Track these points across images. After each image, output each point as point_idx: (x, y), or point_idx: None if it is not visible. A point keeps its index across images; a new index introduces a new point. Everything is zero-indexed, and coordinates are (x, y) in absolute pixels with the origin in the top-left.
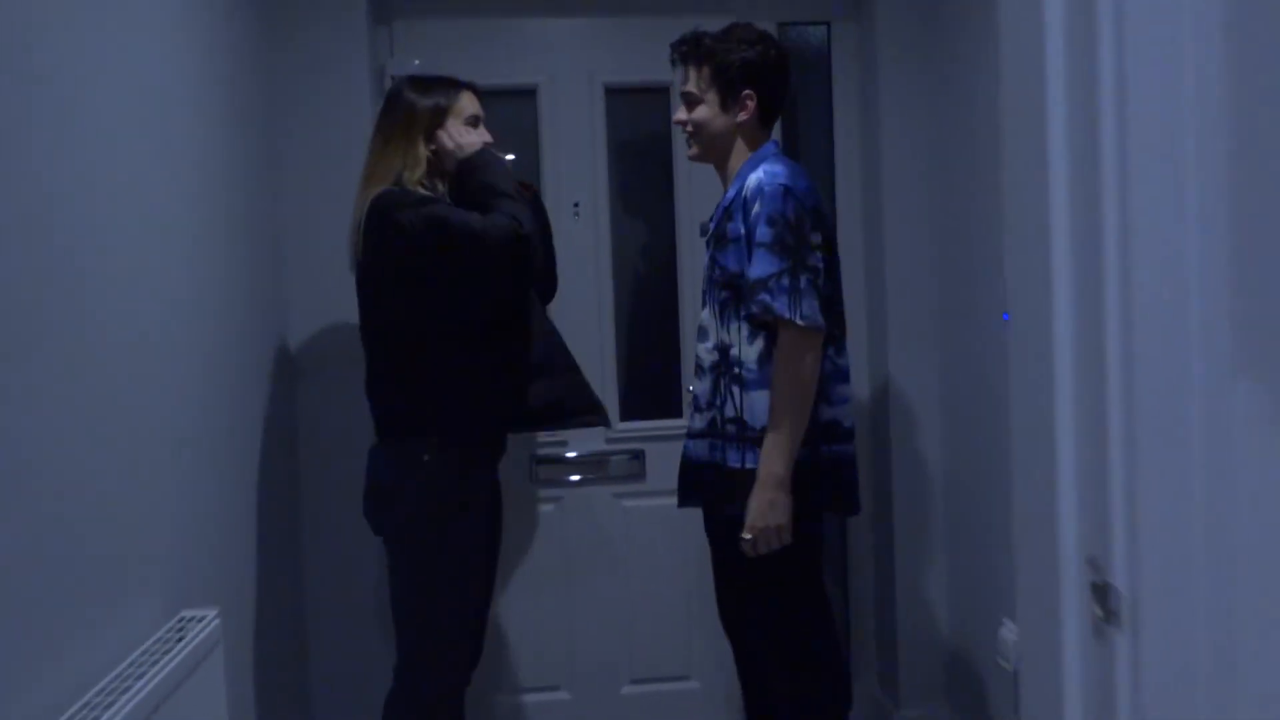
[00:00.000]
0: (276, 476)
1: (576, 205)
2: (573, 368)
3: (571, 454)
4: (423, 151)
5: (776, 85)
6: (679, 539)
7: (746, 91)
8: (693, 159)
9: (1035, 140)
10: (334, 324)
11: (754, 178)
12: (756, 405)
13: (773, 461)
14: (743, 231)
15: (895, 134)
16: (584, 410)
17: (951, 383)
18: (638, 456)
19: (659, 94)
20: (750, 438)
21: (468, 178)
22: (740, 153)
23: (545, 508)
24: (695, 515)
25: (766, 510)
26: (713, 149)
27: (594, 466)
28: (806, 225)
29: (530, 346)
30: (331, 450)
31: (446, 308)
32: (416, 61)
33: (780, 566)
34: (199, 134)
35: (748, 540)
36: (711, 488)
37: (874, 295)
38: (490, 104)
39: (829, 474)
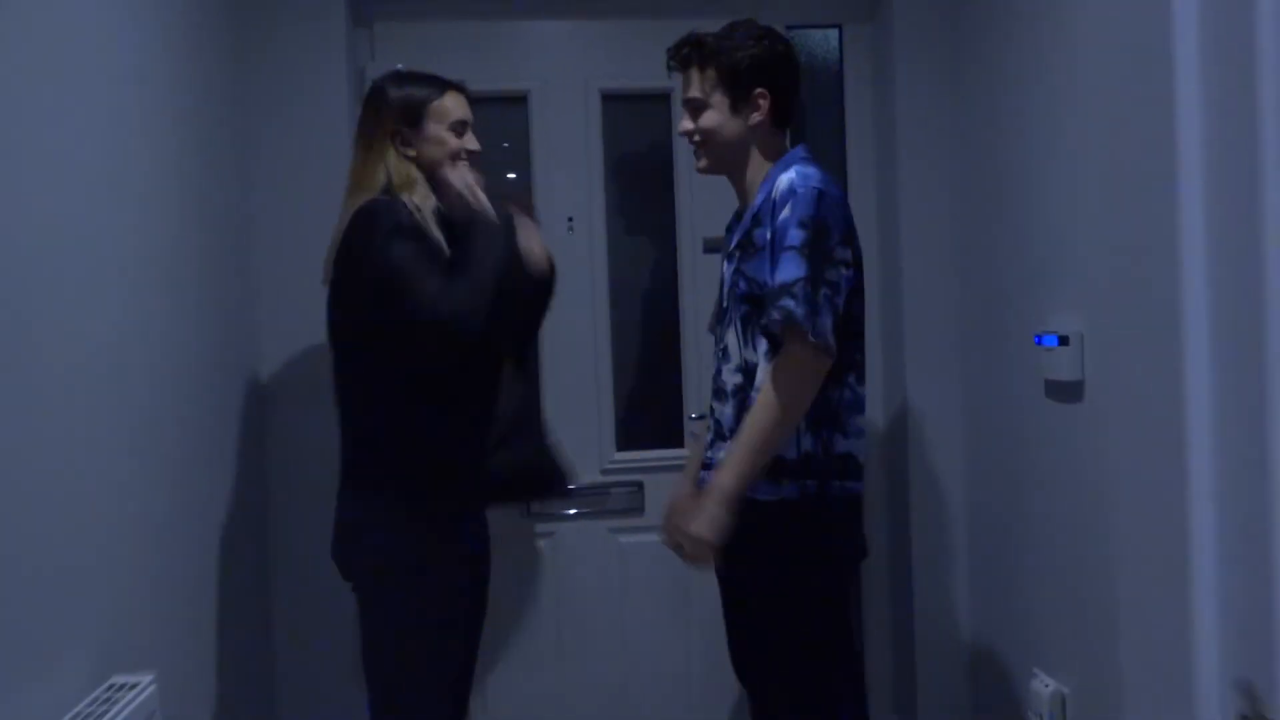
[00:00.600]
0: (241, 518)
1: (570, 220)
2: (538, 434)
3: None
4: (395, 155)
5: (789, 80)
6: (681, 578)
7: (758, 90)
8: (703, 172)
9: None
10: (311, 346)
11: (785, 178)
12: None
13: (730, 475)
14: (769, 236)
15: (913, 143)
16: (543, 484)
17: (975, 411)
18: (636, 489)
19: (659, 101)
20: (781, 469)
21: (461, 233)
22: (758, 160)
23: (538, 544)
24: None
25: (709, 523)
26: (726, 158)
27: (590, 500)
28: (835, 237)
29: (491, 410)
30: (307, 485)
31: (393, 358)
32: (400, 66)
33: (808, 625)
34: (163, 141)
35: (671, 542)
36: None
37: (890, 318)
38: (478, 111)
39: (842, 513)
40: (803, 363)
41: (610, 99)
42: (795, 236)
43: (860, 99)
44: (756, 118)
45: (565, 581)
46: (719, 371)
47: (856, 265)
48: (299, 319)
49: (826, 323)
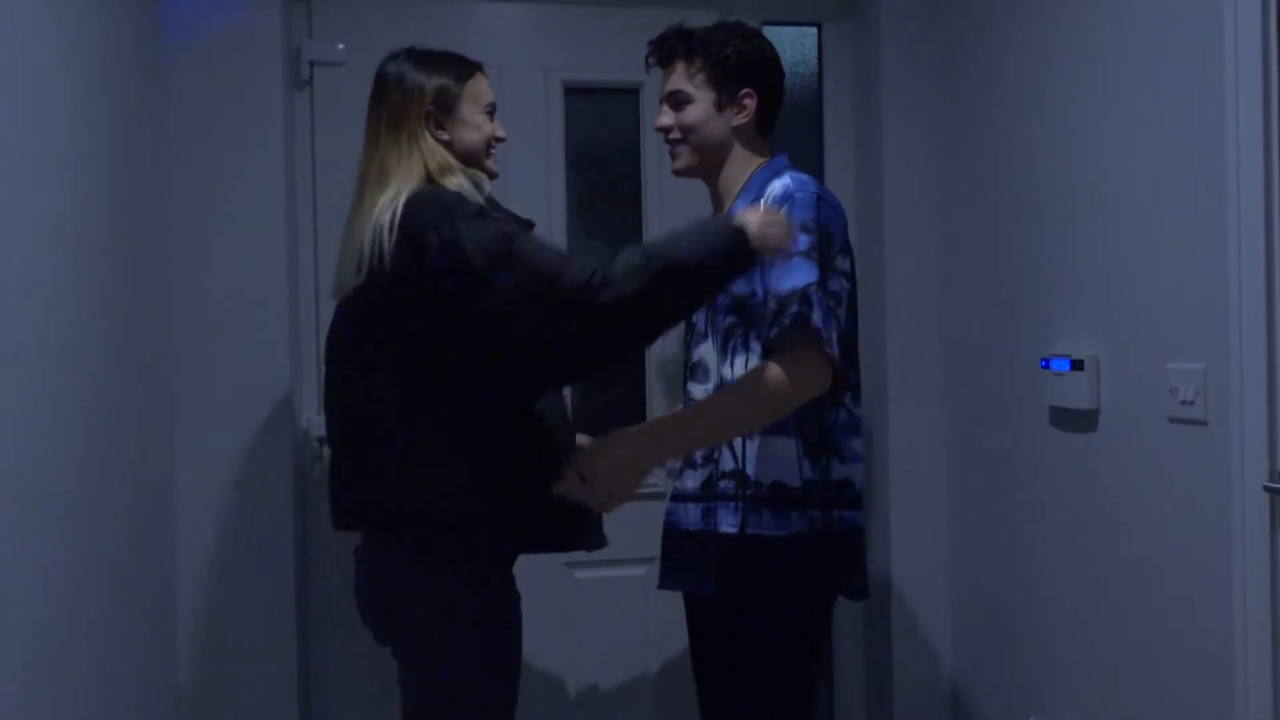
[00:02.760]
0: (143, 532)
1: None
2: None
3: None
4: (433, 143)
5: (777, 85)
6: (642, 617)
7: (745, 90)
8: (679, 172)
9: None
10: (227, 354)
11: (778, 183)
12: (763, 454)
13: (669, 433)
14: None
15: (899, 152)
16: (588, 528)
17: (965, 439)
18: (594, 518)
19: (627, 95)
20: (753, 496)
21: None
22: (738, 163)
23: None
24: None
25: (625, 465)
26: (705, 158)
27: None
28: (836, 245)
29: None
30: (218, 499)
31: (472, 362)
32: (340, 46)
33: (787, 660)
34: (62, 126)
35: (580, 484)
36: (703, 561)
37: (872, 338)
38: None
39: (842, 547)
40: (815, 370)
41: (574, 92)
42: (801, 241)
43: (840, 104)
44: (741, 119)
45: None
46: (689, 391)
47: (852, 277)
48: (219, 327)
49: (833, 336)
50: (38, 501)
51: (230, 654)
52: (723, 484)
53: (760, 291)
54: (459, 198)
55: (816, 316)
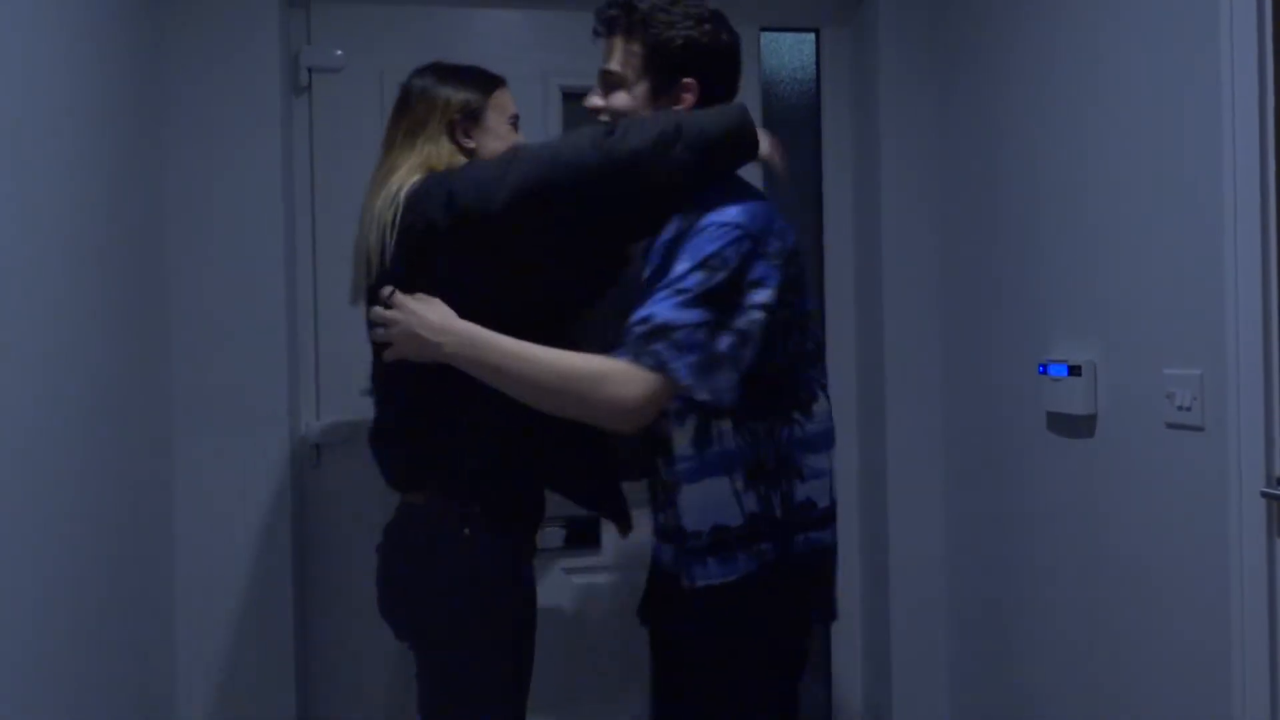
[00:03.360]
0: (144, 534)
1: None
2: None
3: None
4: (450, 149)
5: (725, 77)
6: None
7: (686, 80)
8: None
9: None
10: (227, 353)
11: (707, 216)
12: (693, 501)
13: (475, 342)
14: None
15: (898, 160)
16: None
17: (962, 447)
18: (591, 522)
19: None
20: (693, 548)
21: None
22: None
23: None
24: None
25: (423, 331)
26: None
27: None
28: (753, 275)
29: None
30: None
31: (533, 302)
32: (339, 52)
33: (751, 692)
34: (65, 132)
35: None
36: (672, 608)
37: (868, 348)
38: None
39: (806, 571)
40: (658, 398)
41: (571, 97)
42: (695, 280)
43: (838, 109)
44: (621, 86)
45: None
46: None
47: (796, 284)
48: (214, 323)
49: (730, 379)
50: (36, 503)
51: (228, 656)
52: (664, 545)
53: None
54: (449, 169)
55: (679, 363)
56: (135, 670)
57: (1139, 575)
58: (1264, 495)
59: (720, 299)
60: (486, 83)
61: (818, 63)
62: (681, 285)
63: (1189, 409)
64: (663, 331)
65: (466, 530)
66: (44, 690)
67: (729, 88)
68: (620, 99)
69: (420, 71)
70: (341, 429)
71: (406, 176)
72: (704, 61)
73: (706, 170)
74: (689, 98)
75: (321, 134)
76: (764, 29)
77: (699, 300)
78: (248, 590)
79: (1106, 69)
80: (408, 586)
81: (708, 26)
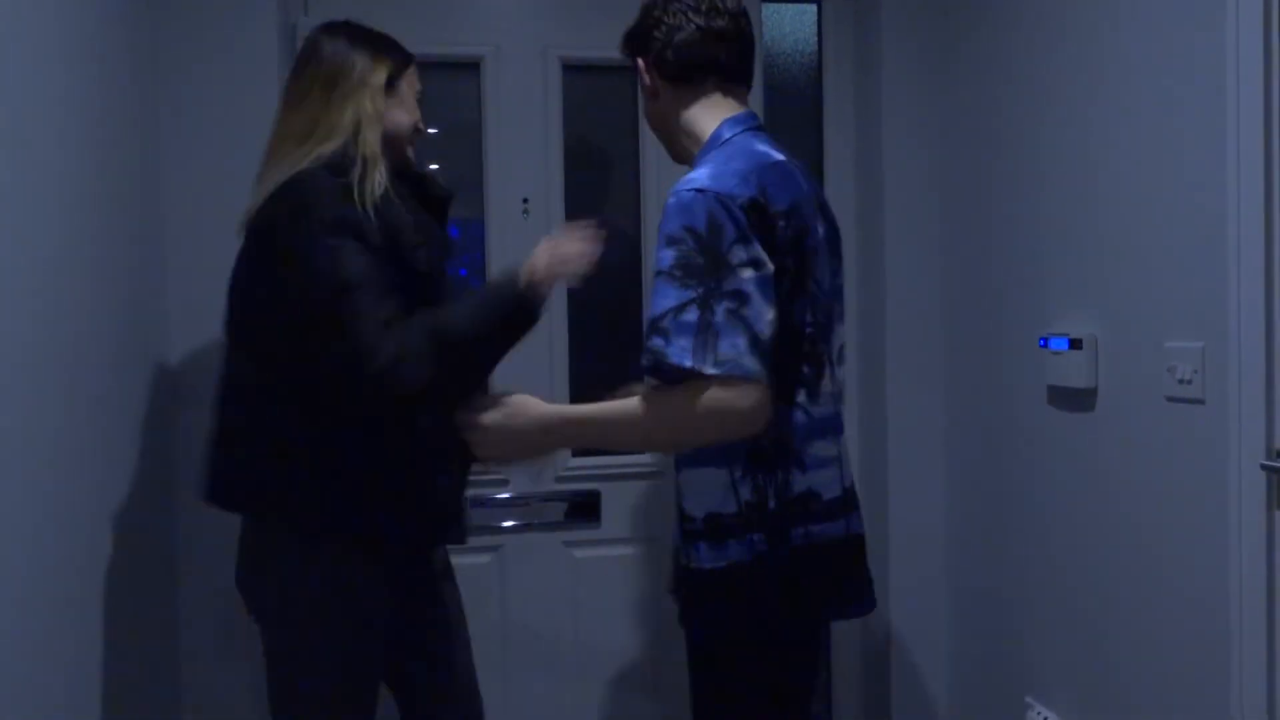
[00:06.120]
0: (145, 518)
1: (526, 201)
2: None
3: (505, 495)
4: (370, 109)
5: (661, 25)
6: (641, 595)
7: (639, 63)
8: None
9: None
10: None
11: (674, 188)
12: (692, 487)
13: (561, 427)
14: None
15: (900, 133)
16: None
17: (963, 419)
18: (592, 498)
19: (625, 73)
20: (690, 530)
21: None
22: (685, 142)
23: (480, 559)
24: (660, 567)
25: (512, 440)
26: (666, 145)
27: (541, 509)
28: (728, 236)
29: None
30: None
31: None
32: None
33: (735, 680)
34: (58, 103)
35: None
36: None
37: (870, 327)
38: (425, 78)
39: (810, 567)
40: (717, 402)
41: (571, 69)
42: (664, 258)
43: (840, 83)
44: (650, 97)
45: (512, 599)
46: None
47: (795, 247)
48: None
49: (736, 342)
50: (34, 499)
51: (229, 653)
52: (678, 517)
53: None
54: (330, 200)
55: (674, 347)
56: (137, 664)
57: (1140, 548)
58: (1264, 468)
59: (700, 268)
60: (404, 54)
61: (819, 35)
62: (659, 269)
63: (1190, 382)
64: (653, 326)
65: (278, 546)
66: (41, 679)
67: (677, 40)
68: (657, 112)
69: (332, 29)
70: None
71: (324, 140)
72: (639, 36)
73: (498, 360)
74: (648, 78)
75: None
76: (765, 0)
77: (676, 279)
78: None
79: (1110, 42)
80: (250, 583)
81: (645, 7)
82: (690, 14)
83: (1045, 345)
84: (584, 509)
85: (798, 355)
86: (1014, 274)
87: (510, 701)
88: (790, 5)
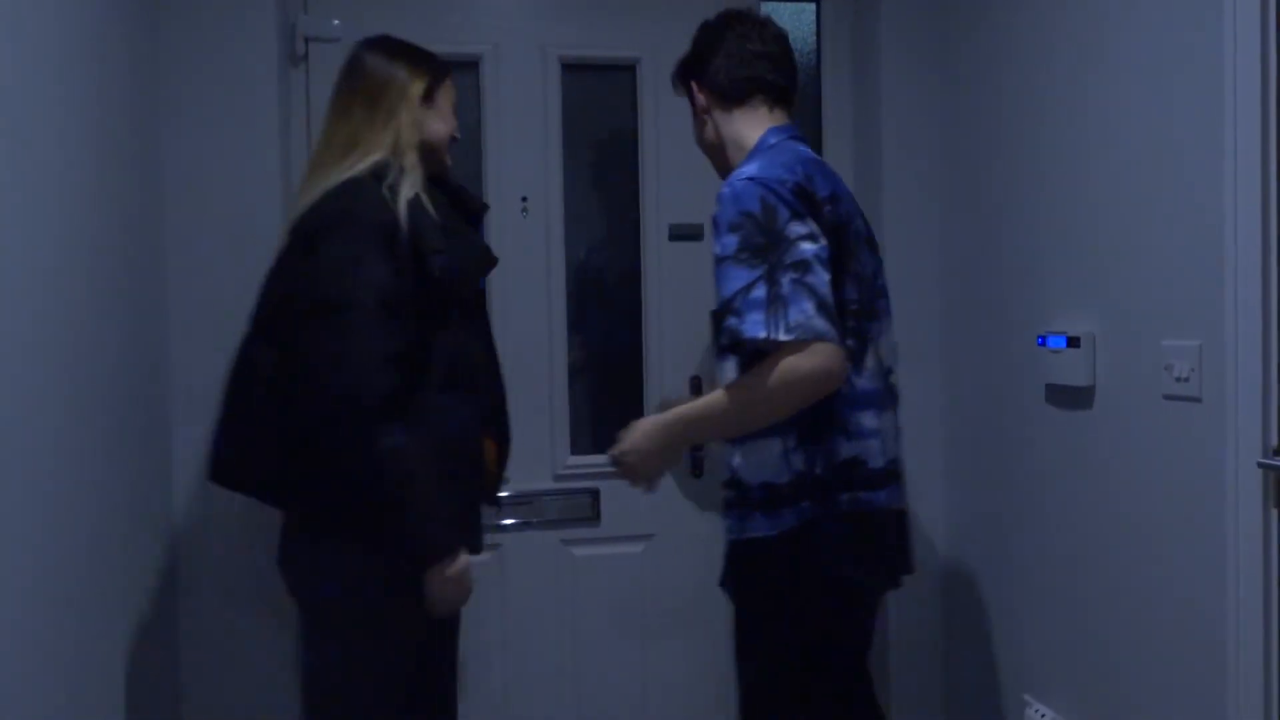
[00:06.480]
0: (144, 523)
1: (525, 200)
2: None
3: (504, 493)
4: (410, 121)
5: (717, 53)
6: (638, 594)
7: (691, 88)
8: None
9: None
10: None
11: (726, 183)
12: (750, 458)
13: (683, 426)
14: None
15: (899, 133)
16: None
17: (960, 416)
18: (591, 496)
19: (624, 72)
20: (750, 500)
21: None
22: (737, 156)
23: (479, 557)
24: (659, 566)
25: (649, 455)
26: (718, 166)
27: (540, 508)
28: (782, 215)
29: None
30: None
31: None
32: (336, 21)
33: (793, 656)
34: (55, 103)
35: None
36: (727, 566)
37: None
38: None
39: (852, 529)
40: (793, 364)
41: (571, 68)
42: (727, 245)
43: (839, 80)
44: (704, 117)
45: (511, 598)
46: None
47: (837, 232)
48: (211, 305)
49: (804, 307)
50: (32, 497)
51: (229, 651)
52: (726, 492)
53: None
54: (360, 212)
55: (748, 322)
56: (135, 663)
57: (1137, 545)
58: (1260, 466)
59: (763, 248)
60: (441, 65)
61: (818, 33)
62: (723, 255)
63: (1187, 380)
64: (726, 308)
65: (304, 536)
66: (41, 679)
67: (727, 56)
68: (709, 132)
69: (372, 44)
70: None
71: (367, 153)
72: (690, 63)
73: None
74: (700, 97)
75: (319, 105)
76: (761, 0)
77: (742, 261)
78: (248, 578)
79: (1109, 42)
80: (292, 573)
81: (695, 38)
82: (741, 40)
83: (1043, 343)
84: (583, 508)
85: (842, 331)
86: (1012, 272)
87: (508, 699)
88: (789, 4)
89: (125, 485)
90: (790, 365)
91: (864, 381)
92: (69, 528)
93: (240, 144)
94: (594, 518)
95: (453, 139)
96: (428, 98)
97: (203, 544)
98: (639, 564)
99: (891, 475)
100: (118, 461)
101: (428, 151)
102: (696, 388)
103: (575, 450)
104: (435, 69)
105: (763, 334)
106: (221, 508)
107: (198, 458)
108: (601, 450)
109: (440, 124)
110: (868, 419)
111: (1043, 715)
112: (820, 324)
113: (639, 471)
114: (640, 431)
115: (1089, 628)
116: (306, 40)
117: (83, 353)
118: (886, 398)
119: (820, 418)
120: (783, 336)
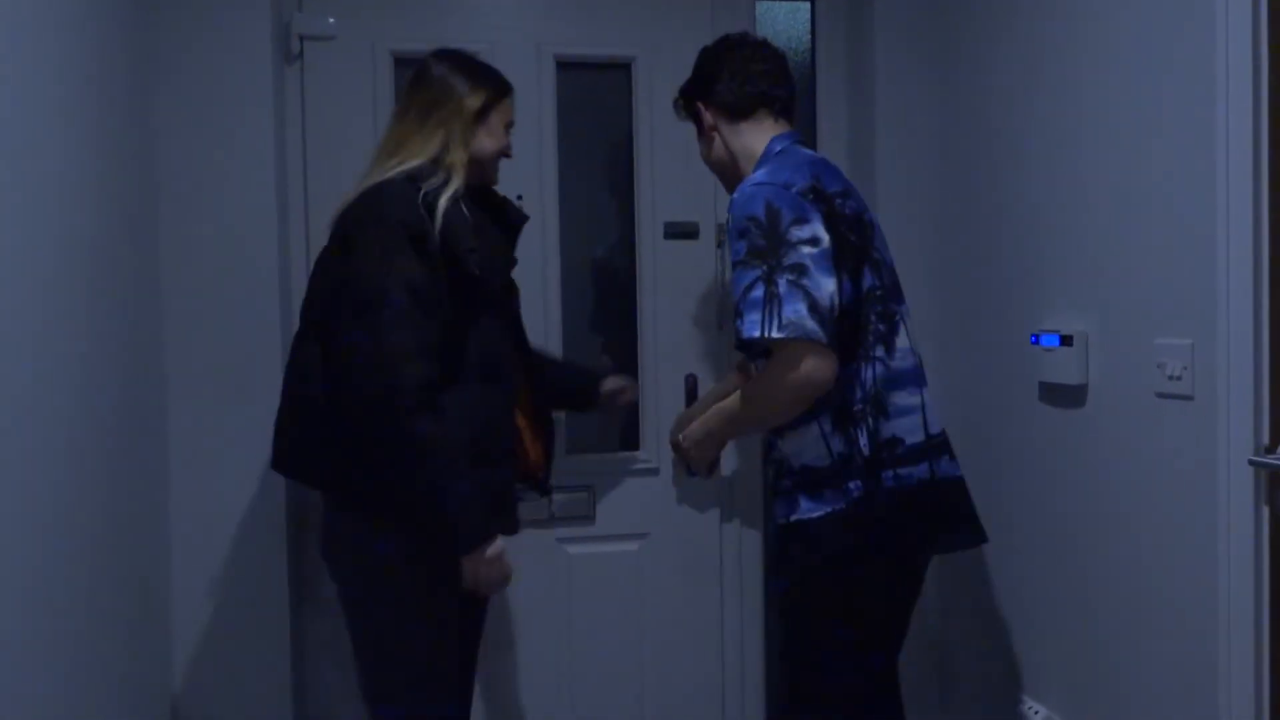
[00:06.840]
0: (139, 516)
1: (520, 198)
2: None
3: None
4: (459, 135)
5: (722, 73)
6: (633, 593)
7: (698, 108)
8: None
9: None
10: (217, 335)
11: (736, 191)
12: (792, 443)
13: (722, 416)
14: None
15: (891, 128)
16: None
17: (954, 414)
18: (587, 495)
19: (619, 70)
20: (795, 484)
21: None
22: (749, 164)
23: None
24: (654, 564)
25: (701, 440)
26: (727, 183)
27: (535, 506)
28: (785, 219)
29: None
30: (212, 482)
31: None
32: (330, 20)
33: (840, 634)
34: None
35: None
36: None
37: None
38: None
39: (901, 508)
40: (784, 361)
41: (566, 66)
42: (737, 250)
43: (833, 79)
44: (712, 135)
45: (507, 595)
46: None
47: (856, 222)
48: (206, 299)
49: (797, 308)
50: (28, 495)
51: (224, 649)
52: (776, 479)
53: None
54: (388, 213)
55: (746, 322)
56: (130, 664)
57: (1130, 543)
58: (1252, 464)
59: (765, 250)
60: (500, 85)
61: (813, 32)
62: (734, 260)
63: (1179, 378)
64: (735, 310)
65: (347, 519)
66: (39, 685)
67: (733, 73)
68: (717, 149)
69: (440, 56)
70: None
71: (411, 156)
72: (694, 84)
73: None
74: (707, 115)
75: (313, 103)
76: None
77: (747, 264)
78: (244, 577)
79: (1101, 38)
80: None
81: (698, 61)
82: (745, 60)
83: (1037, 342)
84: (578, 506)
85: (870, 315)
86: (1006, 270)
87: (505, 697)
88: (783, 3)
89: (121, 485)
90: (787, 363)
91: (896, 361)
92: (65, 527)
93: (235, 141)
94: (589, 516)
95: (502, 154)
96: (482, 113)
97: (200, 544)
98: (634, 562)
99: (929, 449)
100: (114, 461)
101: (474, 165)
102: (692, 386)
103: (570, 449)
104: (496, 87)
105: (758, 333)
106: (220, 508)
107: (195, 457)
108: (596, 449)
109: (490, 141)
110: (902, 397)
111: (1041, 714)
112: (811, 326)
113: (693, 458)
114: (699, 422)
115: (1083, 625)
116: (301, 39)
117: (80, 353)
118: (920, 374)
119: (862, 400)
120: (775, 334)
